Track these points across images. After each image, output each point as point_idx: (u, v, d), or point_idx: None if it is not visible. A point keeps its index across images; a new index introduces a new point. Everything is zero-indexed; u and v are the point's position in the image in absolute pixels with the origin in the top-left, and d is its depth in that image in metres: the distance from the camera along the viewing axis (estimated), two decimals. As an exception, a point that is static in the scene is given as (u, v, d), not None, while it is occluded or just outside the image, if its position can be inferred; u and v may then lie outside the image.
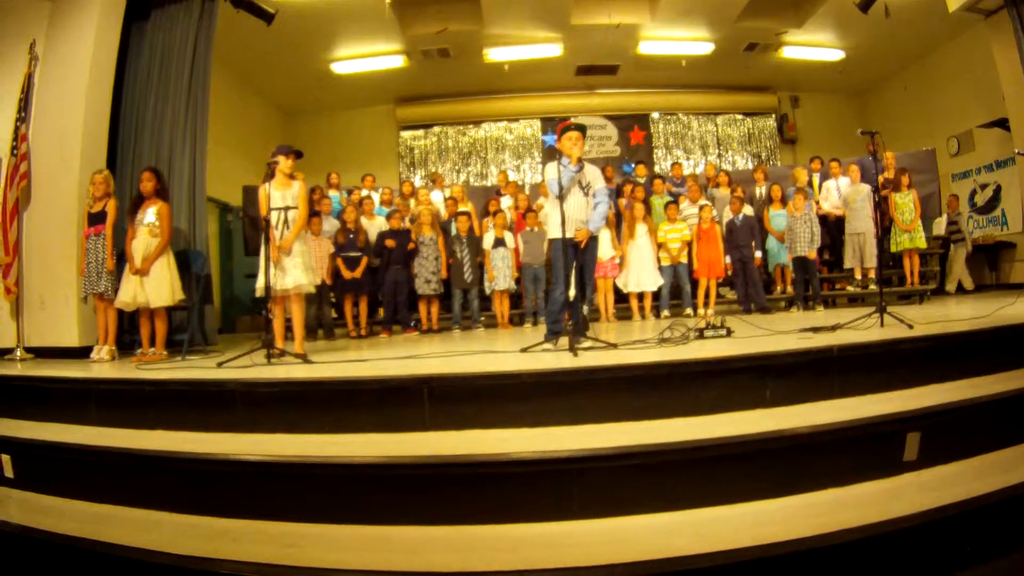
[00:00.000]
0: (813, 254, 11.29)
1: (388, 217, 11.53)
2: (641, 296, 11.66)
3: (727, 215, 12.04)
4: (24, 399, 6.22)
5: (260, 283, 7.36)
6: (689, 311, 11.57)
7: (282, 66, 16.49)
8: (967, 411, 4.51)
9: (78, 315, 9.00)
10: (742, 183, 13.35)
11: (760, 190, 13.16)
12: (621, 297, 11.87)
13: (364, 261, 11.17)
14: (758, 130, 20.87)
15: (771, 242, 12.22)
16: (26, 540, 3.97)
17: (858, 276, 12.20)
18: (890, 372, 5.24)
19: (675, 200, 12.36)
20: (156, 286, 8.11)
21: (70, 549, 3.80)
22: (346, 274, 11.02)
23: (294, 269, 7.50)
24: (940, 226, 14.50)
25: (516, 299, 12.14)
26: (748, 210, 12.02)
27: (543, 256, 11.14)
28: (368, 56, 16.59)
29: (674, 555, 3.26)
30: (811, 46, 17.17)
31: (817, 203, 12.46)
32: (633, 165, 15.43)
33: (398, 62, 16.84)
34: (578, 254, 7.33)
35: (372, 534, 3.71)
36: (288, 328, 8.01)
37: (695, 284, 11.82)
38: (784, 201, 12.03)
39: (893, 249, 12.07)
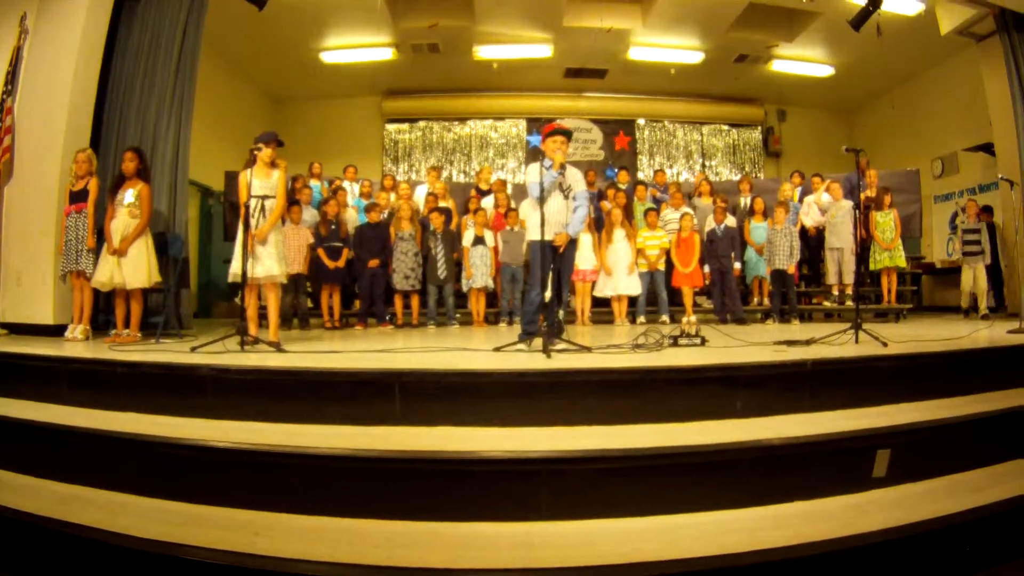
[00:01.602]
0: (792, 268, 11.34)
1: (367, 210, 11.51)
2: (619, 299, 11.67)
3: (709, 224, 12.06)
4: (-5, 375, 6.19)
5: (235, 269, 7.39)
6: (665, 318, 11.59)
7: (271, 52, 16.45)
8: (938, 431, 4.55)
9: (54, 293, 8.95)
10: (725, 193, 13.36)
11: (744, 201, 13.18)
12: (598, 301, 11.89)
13: (345, 252, 11.16)
14: (743, 142, 20.90)
15: (750, 254, 12.29)
16: (-9, 517, 3.95)
17: (835, 292, 12.26)
18: (862, 388, 5.27)
19: (656, 207, 12.39)
20: (133, 267, 8.10)
21: (36, 528, 3.78)
22: (329, 264, 11.02)
23: (267, 259, 7.50)
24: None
25: (492, 298, 12.15)
26: (730, 220, 12.06)
27: (522, 256, 11.17)
28: (357, 47, 16.54)
29: (640, 560, 3.27)
30: (801, 61, 17.24)
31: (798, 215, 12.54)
32: (616, 170, 15.43)
33: (387, 54, 16.80)
34: (556, 257, 7.35)
35: (338, 526, 3.71)
36: (263, 316, 8.00)
37: (671, 292, 11.84)
38: (766, 214, 12.08)
39: (872, 267, 12.15)
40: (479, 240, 11.49)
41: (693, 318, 11.36)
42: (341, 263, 11.15)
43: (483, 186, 13.55)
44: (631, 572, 3.21)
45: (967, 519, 3.76)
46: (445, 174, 19.85)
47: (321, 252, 11.00)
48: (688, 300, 11.74)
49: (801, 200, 13.21)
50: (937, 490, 4.18)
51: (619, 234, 11.60)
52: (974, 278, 12.53)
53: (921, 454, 4.41)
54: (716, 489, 3.95)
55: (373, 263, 11.02)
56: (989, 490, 4.11)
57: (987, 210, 13.37)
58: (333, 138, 19.27)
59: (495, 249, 11.64)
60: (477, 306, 11.68)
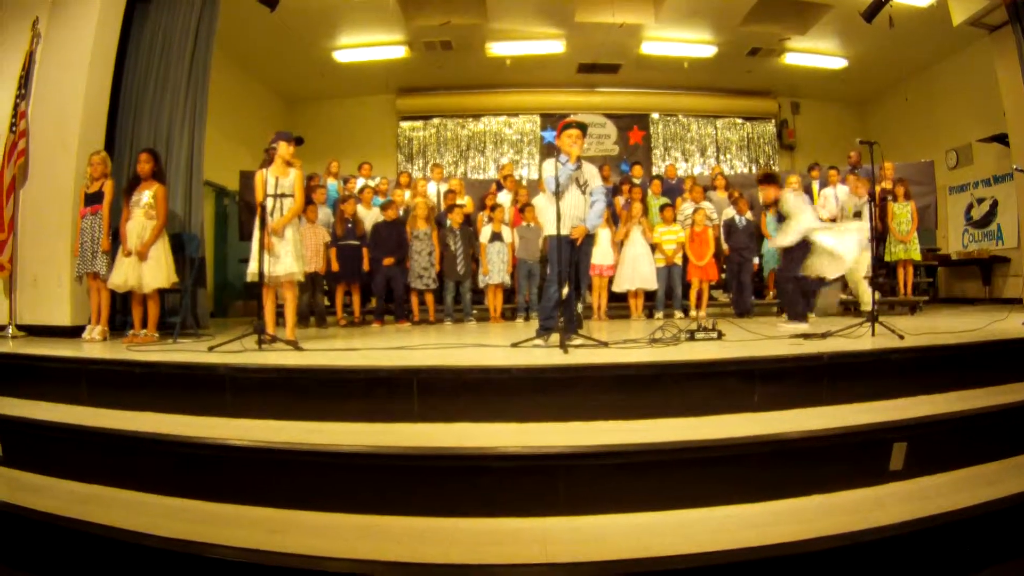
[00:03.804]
0: (807, 261, 11.29)
1: (383, 208, 11.52)
2: (636, 294, 11.65)
3: (726, 215, 12.06)
4: (15, 377, 6.22)
5: (252, 268, 7.35)
6: (679, 313, 11.58)
7: (284, 52, 16.47)
8: (954, 423, 4.53)
9: (71, 294, 9.00)
10: (741, 187, 13.29)
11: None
12: (615, 296, 11.88)
13: (365, 252, 11.19)
14: (757, 135, 20.82)
15: (766, 247, 12.21)
16: (13, 518, 3.97)
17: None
18: (879, 381, 5.26)
19: (671, 203, 12.36)
20: (150, 268, 8.13)
21: (58, 529, 3.81)
22: (334, 266, 11.08)
23: (286, 257, 7.49)
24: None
25: (509, 294, 12.15)
26: (750, 214, 12.03)
27: (539, 252, 11.17)
28: (370, 45, 16.57)
29: (657, 555, 3.28)
30: (814, 53, 17.18)
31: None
32: (630, 165, 15.42)
33: (400, 52, 16.83)
34: (573, 251, 7.35)
35: (358, 523, 3.72)
36: (280, 314, 8.02)
37: (687, 286, 11.83)
38: (780, 207, 12.04)
39: (887, 259, 12.08)
40: (496, 236, 11.49)
41: (703, 312, 11.35)
42: (366, 266, 11.22)
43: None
44: (648, 566, 3.21)
45: (984, 512, 3.75)
46: (460, 170, 19.89)
47: (332, 252, 11.05)
48: (695, 293, 11.76)
49: (819, 193, 13.12)
50: (954, 483, 4.16)
51: (637, 229, 11.57)
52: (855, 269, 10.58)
53: (938, 447, 4.40)
54: (733, 483, 3.95)
55: (387, 261, 11.03)
56: (1006, 483, 4.10)
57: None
58: (347, 137, 19.29)
59: (512, 245, 11.63)
60: (494, 302, 11.68)
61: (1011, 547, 3.75)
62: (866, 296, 10.58)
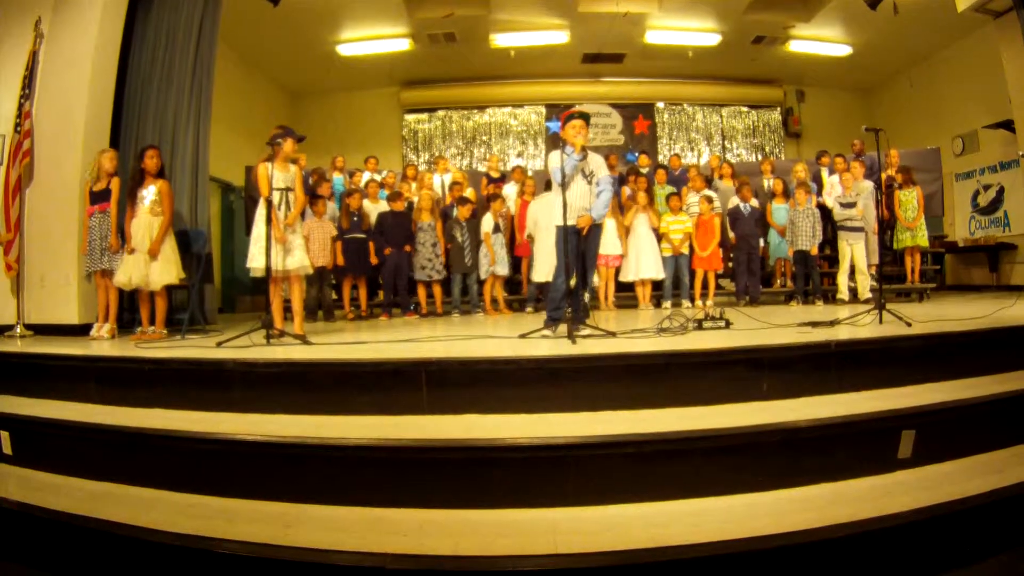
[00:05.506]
0: (815, 249, 11.28)
1: (389, 200, 11.50)
2: (643, 283, 11.63)
3: (732, 203, 12.01)
4: (23, 376, 6.24)
5: (258, 263, 7.33)
6: (687, 302, 11.54)
7: (287, 47, 16.47)
8: (963, 411, 4.53)
9: (78, 292, 9.01)
10: (746, 175, 13.25)
11: (768, 182, 13.06)
12: (622, 286, 11.85)
13: (372, 245, 11.17)
14: (763, 123, 20.76)
15: (772, 235, 12.18)
16: (24, 516, 3.99)
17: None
18: (887, 369, 5.26)
19: (677, 192, 12.32)
20: (158, 265, 8.11)
21: (68, 526, 3.82)
22: (340, 260, 11.00)
23: (298, 250, 7.52)
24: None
25: (516, 286, 12.11)
26: (755, 201, 11.99)
27: (538, 224, 11.13)
28: (374, 39, 16.56)
29: (667, 544, 3.28)
30: (818, 41, 17.11)
31: (819, 196, 12.35)
32: (636, 155, 15.39)
33: (404, 45, 16.79)
34: (580, 241, 7.33)
35: (367, 516, 3.73)
36: (288, 309, 8.02)
37: (693, 275, 11.80)
38: (787, 195, 12.01)
39: (895, 246, 12.05)
40: (499, 228, 11.47)
41: (710, 301, 11.33)
42: (373, 259, 11.20)
43: (493, 174, 13.59)
44: (657, 556, 3.22)
45: (991, 499, 3.75)
46: (465, 163, 19.88)
47: (338, 246, 11.02)
48: (699, 283, 11.78)
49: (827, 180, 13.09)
50: (962, 471, 4.17)
51: (641, 218, 11.55)
52: (851, 258, 11.35)
53: (946, 435, 4.40)
54: (742, 472, 3.95)
55: (388, 251, 11.03)
56: (1015, 470, 4.10)
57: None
58: (352, 130, 19.26)
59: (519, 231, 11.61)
60: (492, 293, 11.61)
61: (1019, 534, 3.75)
62: (865, 286, 11.01)
